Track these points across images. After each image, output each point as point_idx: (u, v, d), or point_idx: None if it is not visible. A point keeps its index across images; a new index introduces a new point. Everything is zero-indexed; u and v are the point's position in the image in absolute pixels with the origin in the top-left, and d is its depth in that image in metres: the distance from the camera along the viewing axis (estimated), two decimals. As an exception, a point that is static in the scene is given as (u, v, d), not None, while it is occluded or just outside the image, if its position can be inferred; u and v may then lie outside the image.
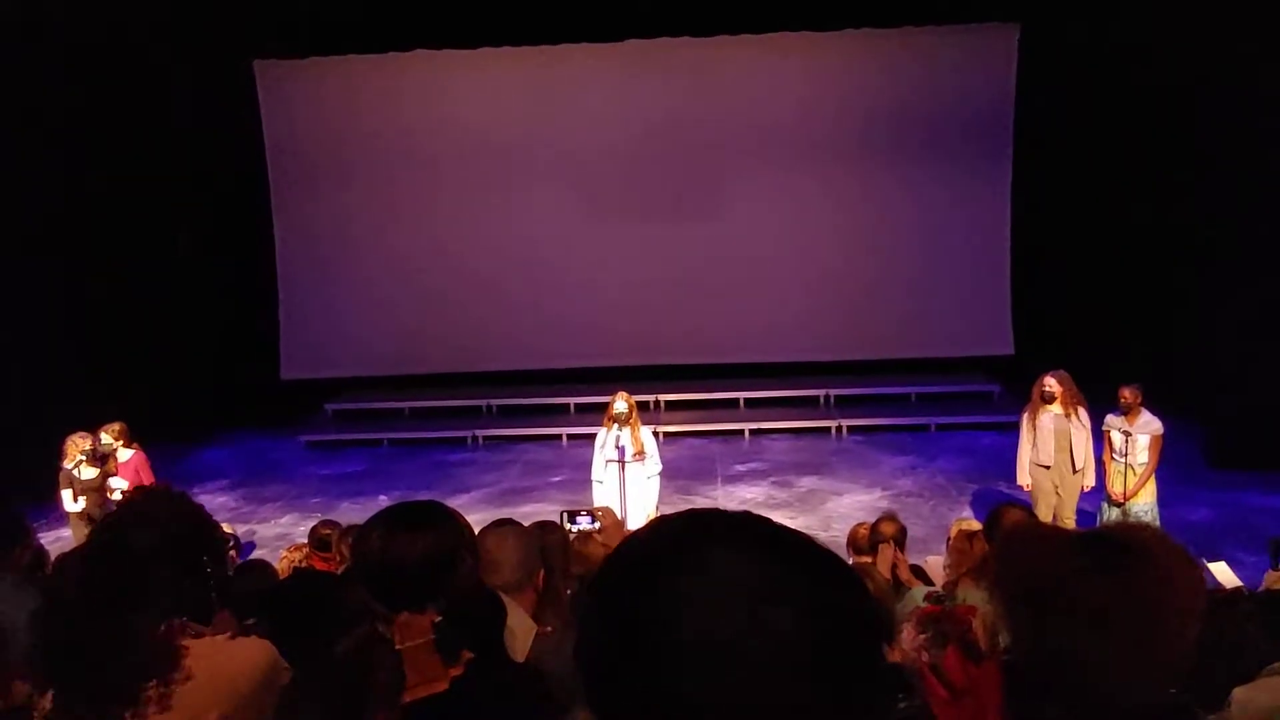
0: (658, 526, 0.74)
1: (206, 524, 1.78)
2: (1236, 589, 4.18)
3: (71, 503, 6.92)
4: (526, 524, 4.00)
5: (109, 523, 1.76)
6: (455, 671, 1.59)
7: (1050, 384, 6.83)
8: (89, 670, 1.61)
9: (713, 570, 0.66)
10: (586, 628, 0.71)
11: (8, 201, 8.97)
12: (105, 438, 7.18)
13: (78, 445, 6.92)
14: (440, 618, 1.61)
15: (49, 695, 1.64)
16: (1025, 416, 7.04)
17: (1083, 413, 6.82)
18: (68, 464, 6.91)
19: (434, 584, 1.64)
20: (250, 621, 3.05)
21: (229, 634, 2.10)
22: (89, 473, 6.92)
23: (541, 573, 2.61)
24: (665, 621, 0.65)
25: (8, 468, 7.62)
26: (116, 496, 6.76)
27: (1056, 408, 6.81)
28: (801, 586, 0.67)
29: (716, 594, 0.65)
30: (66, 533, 7.38)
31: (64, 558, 1.81)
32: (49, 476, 7.11)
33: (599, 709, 0.68)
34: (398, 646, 1.57)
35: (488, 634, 1.86)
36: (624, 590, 0.69)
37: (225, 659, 1.73)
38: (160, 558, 1.67)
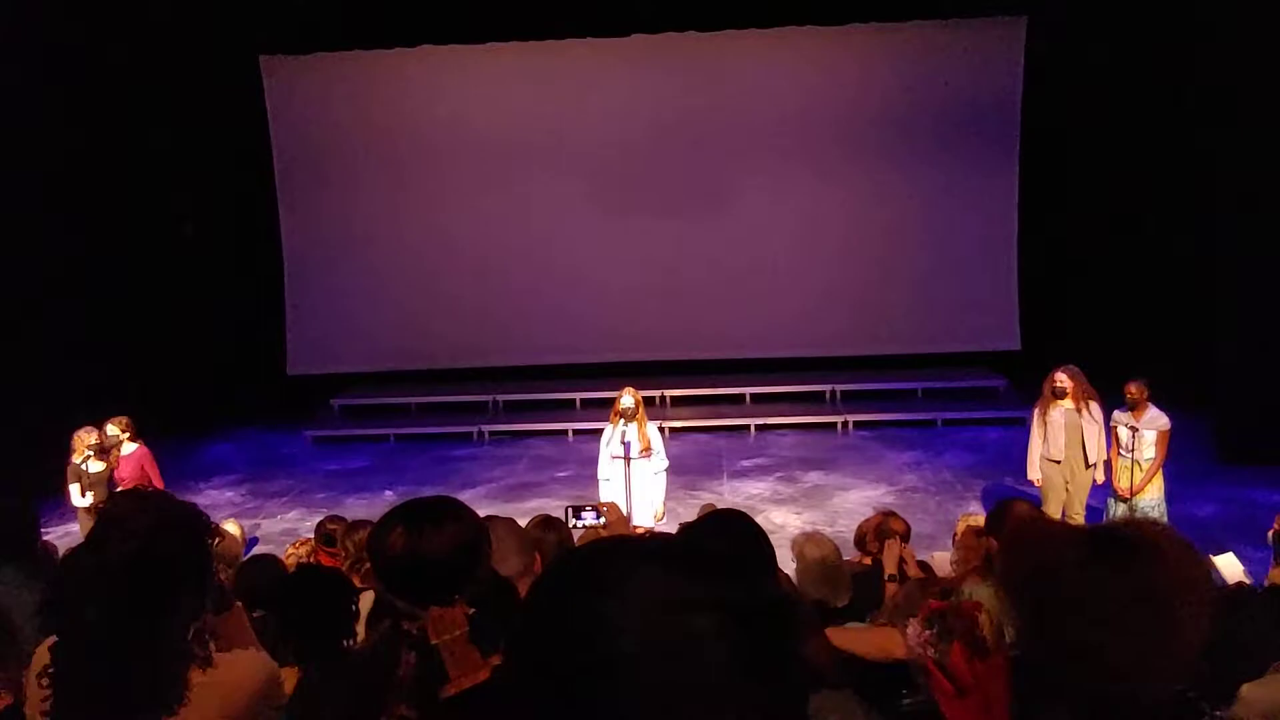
0: (573, 557, 0.78)
1: (190, 525, 1.75)
2: (1240, 584, 4.17)
3: (79, 497, 6.96)
4: (532, 519, 4.02)
5: (92, 534, 1.74)
6: (495, 661, 1.61)
7: (1061, 379, 6.80)
8: (102, 691, 1.62)
9: (632, 590, 0.70)
10: (516, 656, 0.74)
11: (13, 198, 9.00)
12: (111, 429, 7.22)
13: (84, 440, 6.95)
14: (473, 610, 1.62)
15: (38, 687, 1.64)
16: (1036, 411, 7.01)
17: (1095, 407, 6.79)
18: (76, 459, 6.94)
19: (462, 576, 1.65)
20: (258, 614, 3.07)
21: (246, 628, 2.11)
22: (96, 467, 6.96)
23: (539, 562, 2.63)
24: (593, 644, 0.69)
25: (15, 464, 7.65)
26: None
27: (1068, 403, 6.78)
28: (716, 593, 0.71)
29: (639, 612, 0.69)
30: (75, 527, 7.41)
31: (72, 564, 1.79)
32: (56, 472, 7.15)
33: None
34: (433, 641, 1.58)
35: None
36: (550, 618, 0.73)
37: (223, 672, 1.72)
38: (146, 567, 1.66)
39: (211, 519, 1.83)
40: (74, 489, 6.96)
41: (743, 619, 0.71)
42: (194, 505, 1.82)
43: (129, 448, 7.32)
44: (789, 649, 0.74)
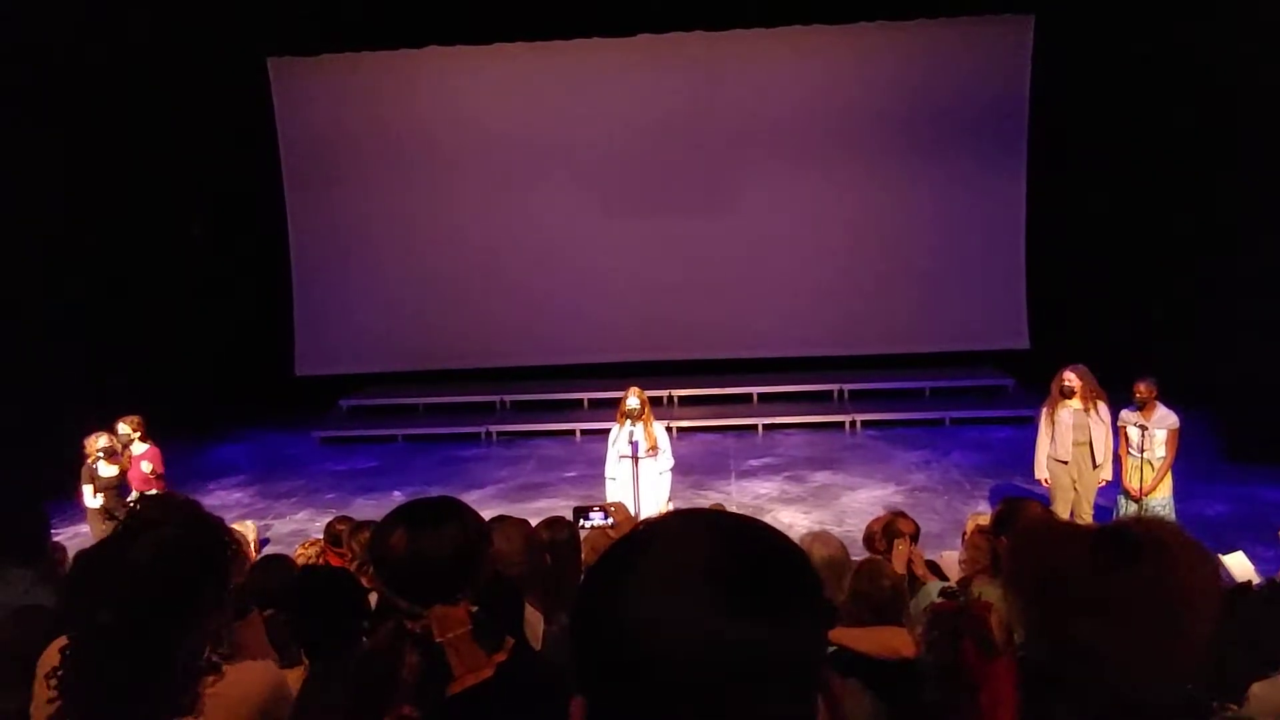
0: (638, 528, 0.87)
1: (215, 534, 1.75)
2: (1248, 584, 4.15)
3: (91, 498, 7.00)
4: (541, 521, 4.02)
5: (114, 536, 1.73)
6: (499, 658, 1.61)
7: (1069, 378, 6.77)
8: (116, 701, 1.61)
9: (657, 546, 0.81)
10: (576, 615, 0.84)
11: (21, 199, 9.04)
12: (123, 428, 7.29)
13: (94, 443, 7.00)
14: (476, 608, 1.63)
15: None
16: (1044, 411, 6.99)
17: (1102, 407, 6.77)
18: (90, 461, 7.01)
19: (464, 575, 1.66)
20: (269, 614, 3.08)
21: (261, 634, 2.11)
22: (108, 470, 7.00)
23: (547, 566, 2.63)
24: (620, 593, 0.78)
25: (23, 466, 7.69)
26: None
27: (1075, 402, 6.76)
28: (726, 538, 0.81)
29: (660, 563, 0.79)
30: (84, 529, 7.44)
31: (88, 566, 1.79)
32: (64, 474, 7.18)
33: (585, 680, 0.80)
34: (438, 639, 1.59)
35: (514, 620, 1.87)
36: (597, 578, 0.83)
37: (232, 685, 1.71)
38: (172, 574, 1.66)
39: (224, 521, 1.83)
40: (87, 489, 7.02)
41: (748, 563, 0.78)
42: (217, 516, 1.82)
43: (139, 447, 7.40)
44: (801, 585, 0.79)
